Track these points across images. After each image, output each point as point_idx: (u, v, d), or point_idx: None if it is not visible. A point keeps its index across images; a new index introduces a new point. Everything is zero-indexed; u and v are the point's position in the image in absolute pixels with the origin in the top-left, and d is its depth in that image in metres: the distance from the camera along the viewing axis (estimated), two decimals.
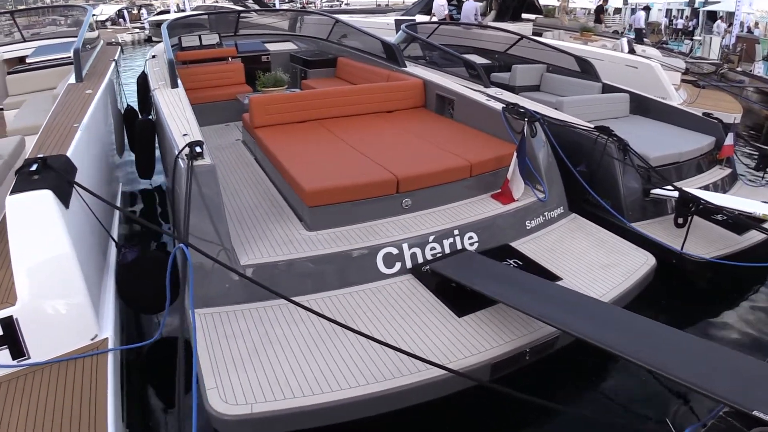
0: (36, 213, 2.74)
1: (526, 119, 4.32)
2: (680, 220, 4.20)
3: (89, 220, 3.27)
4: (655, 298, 4.03)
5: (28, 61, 7.81)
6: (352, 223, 3.80)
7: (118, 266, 3.43)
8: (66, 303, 2.80)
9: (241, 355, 2.79)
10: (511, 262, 3.68)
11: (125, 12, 30.35)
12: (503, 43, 9.09)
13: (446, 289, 3.35)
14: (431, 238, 3.69)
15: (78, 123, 4.08)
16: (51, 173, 2.92)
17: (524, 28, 11.35)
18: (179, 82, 5.19)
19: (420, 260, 3.63)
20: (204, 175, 3.26)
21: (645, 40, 17.01)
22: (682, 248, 4.04)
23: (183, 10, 25.38)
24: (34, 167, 2.88)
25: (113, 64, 6.82)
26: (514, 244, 3.94)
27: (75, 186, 3.05)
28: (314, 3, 42.45)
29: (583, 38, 10.46)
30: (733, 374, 2.37)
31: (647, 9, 26.56)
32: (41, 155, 3.06)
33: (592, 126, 4.90)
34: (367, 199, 3.82)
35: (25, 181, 2.83)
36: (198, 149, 3.37)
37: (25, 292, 2.71)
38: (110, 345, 2.84)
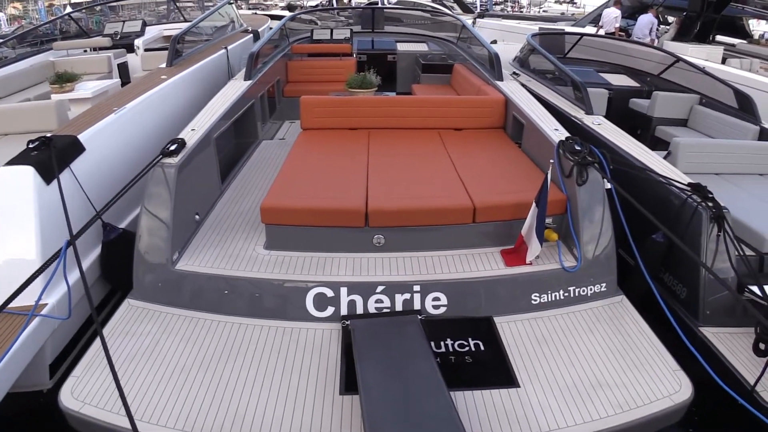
0: (13, 185, 3.07)
1: (567, 159, 3.27)
2: (762, 346, 2.81)
3: (81, 198, 3.49)
4: None
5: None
6: (308, 250, 3.30)
7: (102, 244, 3.59)
8: (18, 266, 2.97)
9: (118, 357, 2.67)
10: (470, 344, 2.78)
11: (335, 0, 32.24)
12: (661, 64, 7.49)
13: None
14: (380, 288, 2.98)
15: (118, 107, 4.25)
16: (46, 151, 3.24)
17: (712, 52, 9.27)
18: (256, 75, 5.37)
19: (360, 310, 2.98)
20: (165, 172, 3.28)
21: None
22: (754, 386, 2.69)
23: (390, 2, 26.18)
24: (37, 143, 3.27)
25: (222, 51, 7.05)
26: (498, 320, 2.99)
27: (67, 166, 3.36)
28: (525, 8, 41.39)
29: None
30: None
31: None
32: (49, 134, 3.45)
33: (686, 181, 3.59)
34: (329, 228, 3.27)
35: (23, 154, 3.21)
36: (173, 147, 3.46)
37: None
38: (44, 312, 2.91)
